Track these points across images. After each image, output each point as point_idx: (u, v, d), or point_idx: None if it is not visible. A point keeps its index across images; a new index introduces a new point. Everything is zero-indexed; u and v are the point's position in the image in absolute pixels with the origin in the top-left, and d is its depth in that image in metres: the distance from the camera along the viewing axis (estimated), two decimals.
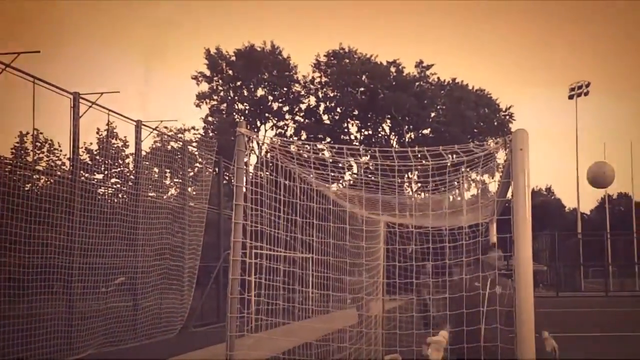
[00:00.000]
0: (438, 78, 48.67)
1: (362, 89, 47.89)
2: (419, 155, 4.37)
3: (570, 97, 51.03)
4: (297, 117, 50.80)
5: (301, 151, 5.05)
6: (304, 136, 48.01)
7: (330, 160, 5.25)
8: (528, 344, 3.40)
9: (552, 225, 76.15)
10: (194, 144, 22.10)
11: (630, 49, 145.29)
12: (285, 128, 50.52)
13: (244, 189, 4.53)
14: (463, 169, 5.15)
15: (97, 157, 21.99)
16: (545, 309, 24.50)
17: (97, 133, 22.70)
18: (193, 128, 43.99)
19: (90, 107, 12.44)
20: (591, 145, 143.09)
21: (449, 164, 4.73)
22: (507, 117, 49.44)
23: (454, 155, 4.29)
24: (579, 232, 49.22)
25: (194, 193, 17.20)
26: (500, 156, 4.52)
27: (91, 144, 23.37)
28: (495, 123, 48.35)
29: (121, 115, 14.00)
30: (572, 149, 51.78)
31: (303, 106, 50.58)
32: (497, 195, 5.97)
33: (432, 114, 48.56)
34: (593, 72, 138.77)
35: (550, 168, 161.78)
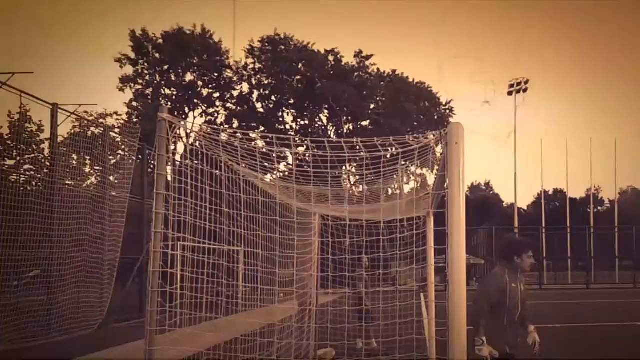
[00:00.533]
0: (378, 69, 49.19)
1: (298, 77, 47.82)
2: (357, 147, 4.42)
3: (510, 94, 52.81)
4: (228, 105, 50.26)
5: (232, 140, 5.02)
6: (235, 124, 47.55)
7: (264, 150, 5.25)
8: (460, 337, 3.50)
9: (490, 220, 78.71)
10: (117, 130, 21.57)
11: (568, 49, 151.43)
12: (216, 115, 49.93)
13: (169, 178, 4.49)
14: (402, 162, 5.24)
15: (9, 142, 21.18)
16: None
17: (9, 116, 21.86)
18: (116, 113, 42.87)
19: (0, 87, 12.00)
20: (529, 141, 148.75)
21: (383, 156, 4.79)
22: (448, 111, 50.60)
23: (392, 148, 4.37)
24: (516, 227, 51.07)
25: (116, 182, 16.85)
26: (440, 150, 4.62)
27: (1, 127, 22.60)
28: (436, 117, 49.35)
29: (35, 97, 13.60)
30: (510, 145, 53.59)
31: (235, 93, 50.09)
32: (433, 189, 6.10)
33: (372, 106, 49.05)
34: (532, 69, 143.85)
35: (489, 163, 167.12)
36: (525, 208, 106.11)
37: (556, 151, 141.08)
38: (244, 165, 5.34)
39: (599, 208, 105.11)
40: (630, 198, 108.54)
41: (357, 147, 4.38)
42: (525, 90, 52.28)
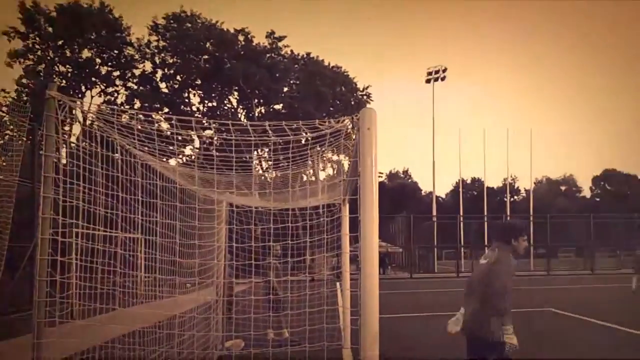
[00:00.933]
0: (291, 51, 49.20)
1: (205, 56, 47.16)
2: (267, 131, 4.42)
3: (428, 81, 54.18)
4: (129, 84, 48.98)
5: (133, 121, 4.93)
6: (137, 105, 46.44)
7: (168, 132, 5.18)
8: (372, 325, 3.60)
9: (408, 208, 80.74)
10: (4, 109, 20.60)
11: (488, 38, 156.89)
12: (116, 95, 48.58)
13: (63, 161, 4.37)
14: (317, 147, 5.28)
15: None
16: (399, 290, 26.35)
17: None
18: (3, 90, 40.89)
19: None
20: (448, 130, 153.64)
21: (298, 141, 4.83)
22: (365, 97, 51.29)
23: (305, 133, 4.40)
24: (434, 215, 52.60)
25: (4, 164, 16.14)
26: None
27: None
28: (353, 102, 49.92)
29: None
30: (429, 133, 54.96)
31: (137, 72, 48.87)
32: (347, 175, 6.20)
33: (285, 89, 49.06)
34: (450, 58, 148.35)
35: (408, 151, 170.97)
36: (444, 197, 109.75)
37: (474, 140, 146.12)
38: (146, 149, 5.26)
39: (515, 197, 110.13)
40: (544, 187, 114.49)
41: (267, 131, 4.39)
42: (443, 79, 53.81)
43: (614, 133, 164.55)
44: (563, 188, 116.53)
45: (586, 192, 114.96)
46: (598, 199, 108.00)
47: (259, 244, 7.10)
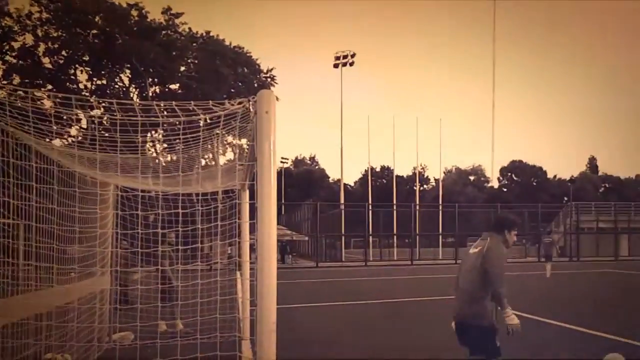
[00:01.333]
0: (190, 29, 48.34)
1: (95, 31, 45.63)
2: (159, 111, 4.40)
3: (336, 66, 54.78)
4: (7, 57, 46.76)
5: (12, 98, 4.80)
6: (16, 80, 44.46)
7: (53, 111, 5.06)
8: (269, 316, 3.69)
9: (315, 195, 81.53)
10: None
11: (398, 25, 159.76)
12: None
13: None
14: (218, 131, 5.28)
15: None
16: (304, 280, 26.65)
17: None
18: None
19: None
20: (356, 116, 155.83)
21: (195, 123, 4.82)
22: (269, 79, 51.03)
23: (200, 114, 4.39)
24: (342, 203, 53.35)
25: None
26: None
27: None
28: (256, 85, 49.58)
29: None
30: (337, 120, 55.53)
31: (16, 45, 46.69)
32: (246, 160, 6.22)
33: (182, 68, 48.21)
34: (359, 43, 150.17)
35: (315, 137, 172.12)
36: (352, 184, 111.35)
37: (383, 128, 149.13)
38: (27, 128, 5.12)
39: (425, 186, 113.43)
40: (454, 177, 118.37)
41: (160, 112, 4.36)
42: (352, 64, 54.57)
43: (522, 125, 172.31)
44: (472, 178, 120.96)
45: (494, 183, 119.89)
46: (505, 189, 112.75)
47: (151, 230, 7.01)
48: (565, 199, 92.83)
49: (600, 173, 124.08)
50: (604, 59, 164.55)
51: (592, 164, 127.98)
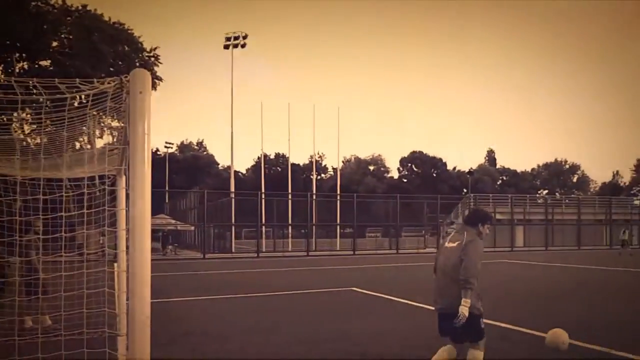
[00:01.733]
0: (63, 1, 46.64)
1: None
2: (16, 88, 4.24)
3: (226, 47, 54.33)
4: None
5: None
6: None
7: None
8: (141, 309, 3.67)
9: (203, 183, 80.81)
10: None
11: (294, 6, 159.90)
12: None
13: None
14: (95, 112, 5.18)
15: None
16: (189, 272, 26.52)
17: None
18: None
19: None
20: (249, 101, 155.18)
21: (46, 100, 4.66)
22: (153, 58, 49.88)
23: (66, 92, 4.27)
24: (232, 191, 53.08)
25: None
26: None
27: None
28: (138, 64, 48.38)
29: None
30: (228, 104, 54.93)
31: None
32: (120, 143, 6.13)
33: (54, 43, 46.52)
34: (253, 27, 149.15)
35: (204, 121, 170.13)
36: (244, 172, 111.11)
37: (277, 114, 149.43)
38: None
39: (323, 175, 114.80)
40: (353, 166, 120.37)
41: (19, 89, 4.22)
42: (243, 46, 54.30)
43: (422, 115, 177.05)
44: (372, 168, 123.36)
45: (394, 173, 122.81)
46: (405, 180, 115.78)
47: (16, 218, 6.82)
48: (465, 190, 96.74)
49: (498, 166, 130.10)
50: (502, 53, 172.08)
51: (491, 156, 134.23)
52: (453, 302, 6.47)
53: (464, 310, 6.34)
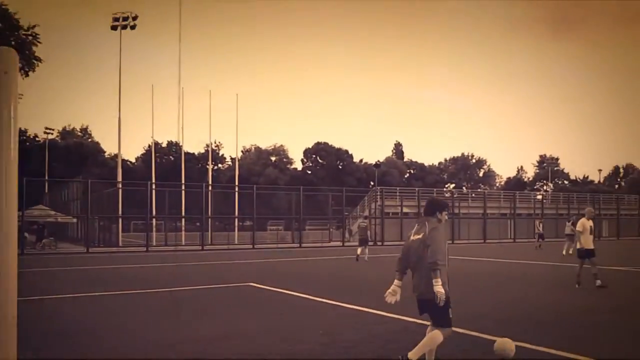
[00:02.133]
0: None
1: None
2: None
3: (114, 28, 53.18)
4: None
5: None
6: None
7: None
8: (7, 308, 3.60)
9: (87, 172, 78.96)
10: None
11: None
12: None
13: None
14: None
15: None
16: (70, 267, 25.97)
17: None
18: None
19: None
20: (137, 84, 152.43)
21: None
22: (30, 37, 48.16)
23: None
24: (119, 181, 52.08)
25: None
26: None
27: None
28: (13, 43, 46.57)
29: None
30: (115, 88, 53.52)
31: None
32: None
33: None
34: (143, 8, 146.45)
35: (88, 106, 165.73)
36: (133, 160, 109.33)
37: (169, 99, 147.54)
38: None
39: (220, 165, 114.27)
40: (253, 157, 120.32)
41: None
42: (133, 27, 53.26)
43: (328, 106, 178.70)
44: (273, 159, 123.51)
45: (297, 164, 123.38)
46: (310, 172, 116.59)
47: None
48: (372, 183, 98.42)
49: (405, 159, 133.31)
50: (414, 47, 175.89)
51: (398, 149, 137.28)
52: (429, 287, 7.16)
53: (438, 288, 7.06)
